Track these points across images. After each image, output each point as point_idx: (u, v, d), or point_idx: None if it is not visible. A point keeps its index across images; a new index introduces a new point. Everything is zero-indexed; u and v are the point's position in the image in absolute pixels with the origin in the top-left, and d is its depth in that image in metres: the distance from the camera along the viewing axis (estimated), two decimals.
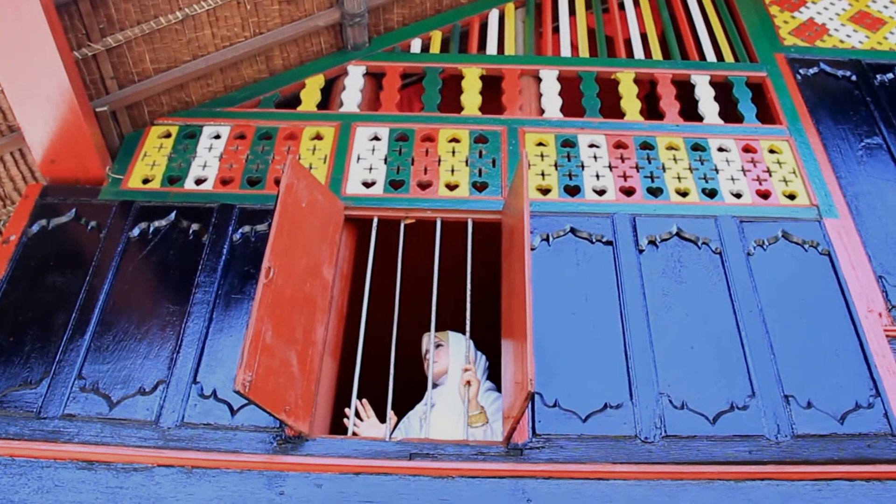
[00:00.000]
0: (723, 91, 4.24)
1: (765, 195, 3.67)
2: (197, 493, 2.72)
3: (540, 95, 4.19)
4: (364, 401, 3.13)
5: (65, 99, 3.39)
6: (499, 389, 3.29)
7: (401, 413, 3.31)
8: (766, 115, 4.10)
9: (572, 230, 3.50)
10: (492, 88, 4.22)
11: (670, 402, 2.95)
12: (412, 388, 3.59)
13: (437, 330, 3.44)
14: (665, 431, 2.88)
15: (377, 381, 3.30)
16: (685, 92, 4.26)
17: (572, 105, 4.13)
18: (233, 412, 2.94)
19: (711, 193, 3.67)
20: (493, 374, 3.47)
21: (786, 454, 2.81)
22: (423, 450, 2.84)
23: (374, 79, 4.32)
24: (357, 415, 3.08)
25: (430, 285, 3.37)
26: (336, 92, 4.23)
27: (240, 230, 3.50)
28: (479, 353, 3.50)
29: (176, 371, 3.05)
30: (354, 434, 3.00)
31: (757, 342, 3.12)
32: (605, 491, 2.73)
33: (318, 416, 2.99)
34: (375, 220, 3.57)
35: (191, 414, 2.94)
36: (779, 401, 2.95)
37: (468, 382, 2.95)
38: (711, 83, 4.24)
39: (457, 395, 3.20)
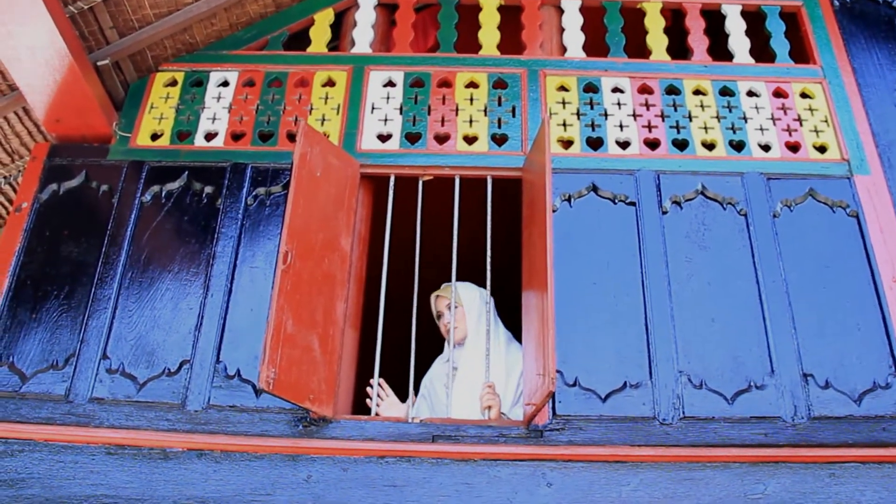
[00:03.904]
0: (755, 23, 4.00)
1: (794, 148, 3.54)
2: (227, 477, 2.80)
3: (562, 30, 3.96)
4: (381, 381, 3.15)
5: (62, 61, 3.24)
6: (518, 339, 3.30)
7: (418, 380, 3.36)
8: (799, 51, 3.88)
9: (594, 188, 3.41)
10: (511, 22, 3.99)
11: (689, 380, 2.97)
12: (434, 345, 3.62)
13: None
14: (683, 412, 2.92)
15: (400, 344, 3.33)
16: (715, 24, 4.02)
17: (595, 40, 3.92)
18: (257, 393, 2.98)
19: (739, 146, 3.54)
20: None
21: (801, 437, 2.86)
22: (445, 431, 2.90)
23: (387, 10, 4.08)
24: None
25: (449, 243, 3.32)
26: (347, 27, 4.01)
27: (254, 192, 3.43)
28: (487, 305, 3.36)
29: (199, 349, 3.08)
30: (377, 414, 3.06)
31: (779, 315, 3.11)
32: (624, 474, 2.80)
33: (340, 395, 3.04)
34: (392, 179, 3.48)
35: (216, 396, 2.98)
36: (797, 380, 2.97)
37: (489, 406, 2.95)
38: (743, 13, 3.98)
39: (479, 357, 3.19)
